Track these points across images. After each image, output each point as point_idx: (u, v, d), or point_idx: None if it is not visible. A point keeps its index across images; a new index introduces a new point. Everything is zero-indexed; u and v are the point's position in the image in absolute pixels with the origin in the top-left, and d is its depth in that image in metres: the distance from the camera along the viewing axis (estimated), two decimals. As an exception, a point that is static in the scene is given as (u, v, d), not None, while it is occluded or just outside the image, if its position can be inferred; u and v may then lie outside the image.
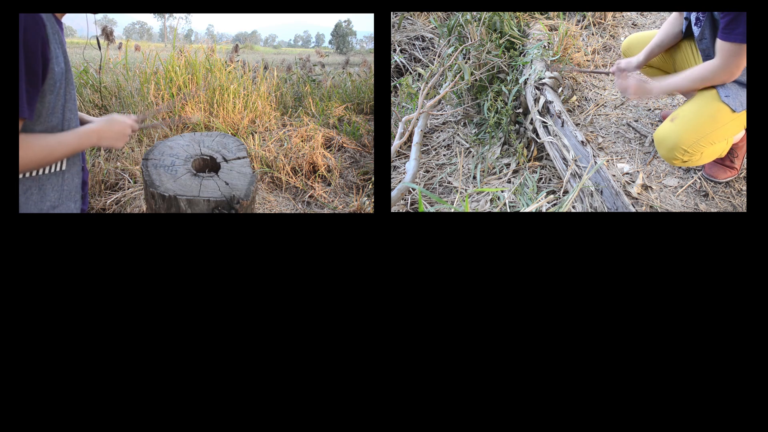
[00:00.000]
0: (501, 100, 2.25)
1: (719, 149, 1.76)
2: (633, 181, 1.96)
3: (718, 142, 1.69)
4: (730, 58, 1.57)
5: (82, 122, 1.28)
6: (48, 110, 1.06)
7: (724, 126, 1.65)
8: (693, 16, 1.75)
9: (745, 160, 1.84)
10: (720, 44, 1.57)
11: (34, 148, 1.04)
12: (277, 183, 2.89)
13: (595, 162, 1.77)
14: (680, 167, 2.00)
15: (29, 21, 0.98)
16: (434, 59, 2.65)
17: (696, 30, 1.73)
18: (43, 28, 1.01)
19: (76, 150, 1.13)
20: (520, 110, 2.22)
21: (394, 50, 3.00)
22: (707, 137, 1.66)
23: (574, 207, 1.75)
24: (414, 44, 3.07)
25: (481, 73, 2.30)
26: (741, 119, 1.64)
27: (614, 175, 1.96)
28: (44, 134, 1.07)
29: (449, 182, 2.18)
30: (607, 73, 2.21)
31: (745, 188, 1.87)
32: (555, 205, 1.88)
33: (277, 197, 2.76)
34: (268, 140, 3.11)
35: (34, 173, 1.10)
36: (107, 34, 3.44)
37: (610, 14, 2.96)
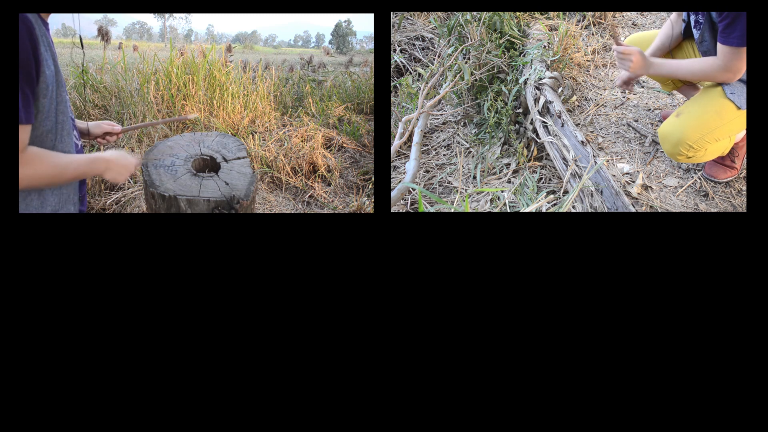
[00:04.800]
0: (501, 100, 2.25)
1: (723, 146, 1.76)
2: (633, 181, 1.96)
3: (722, 138, 1.69)
4: (731, 60, 1.57)
5: (79, 130, 1.28)
6: (42, 114, 1.05)
7: (729, 123, 1.66)
8: (692, 18, 1.75)
9: (745, 160, 1.84)
10: (720, 47, 1.57)
11: (48, 164, 1.03)
12: (277, 183, 2.89)
13: (595, 162, 1.77)
14: (680, 167, 2.00)
15: (19, 22, 0.97)
16: (434, 59, 2.65)
17: (695, 32, 1.73)
18: (32, 30, 0.99)
19: (85, 174, 1.14)
20: (520, 110, 2.22)
21: (394, 50, 3.00)
22: (712, 133, 1.66)
23: (574, 207, 1.75)
24: (414, 44, 3.07)
25: (481, 73, 2.30)
26: (745, 117, 1.64)
27: (614, 175, 1.96)
28: (57, 153, 1.06)
29: (449, 182, 2.18)
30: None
31: (745, 188, 1.86)
32: (555, 205, 1.88)
33: (277, 197, 2.76)
34: (268, 140, 3.11)
35: None
36: (103, 34, 3.43)
37: (610, 14, 2.96)
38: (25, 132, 1.00)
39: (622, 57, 1.72)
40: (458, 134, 2.44)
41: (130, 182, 2.54)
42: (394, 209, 1.98)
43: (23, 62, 0.97)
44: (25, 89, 0.98)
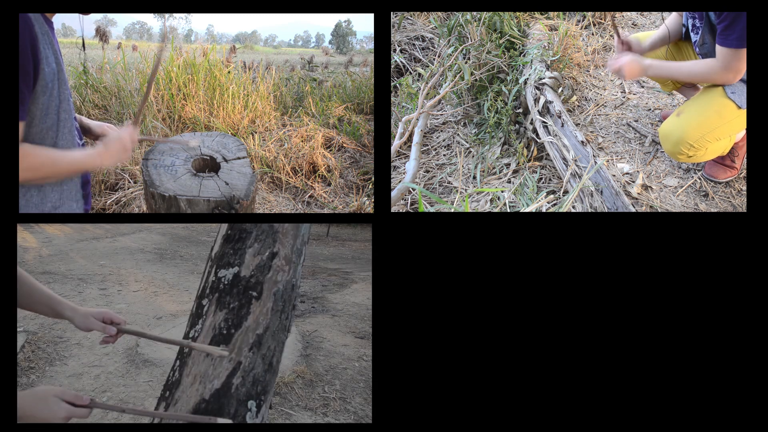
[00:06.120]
0: (501, 100, 2.25)
1: (723, 146, 1.76)
2: (633, 181, 1.96)
3: (723, 138, 1.70)
4: (730, 62, 1.57)
5: (81, 125, 1.27)
6: (42, 112, 1.04)
7: (729, 122, 1.66)
8: (689, 23, 1.75)
9: (745, 160, 1.84)
10: (719, 49, 1.58)
11: (39, 161, 1.03)
12: (277, 183, 2.89)
13: (595, 162, 1.77)
14: (680, 167, 2.00)
15: (18, 21, 0.97)
16: (434, 59, 2.65)
17: (694, 36, 1.73)
18: (31, 27, 0.99)
19: (80, 171, 1.13)
20: (520, 110, 2.22)
21: (394, 50, 3.00)
22: (713, 133, 1.66)
23: (574, 207, 1.75)
24: (414, 44, 3.07)
25: (481, 73, 2.30)
26: (745, 116, 1.64)
27: (614, 175, 1.96)
28: (50, 149, 1.06)
29: (449, 182, 2.18)
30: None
31: (745, 188, 1.86)
32: (555, 205, 1.88)
33: (277, 197, 2.76)
34: (268, 140, 3.11)
35: None
36: (101, 34, 3.44)
37: (610, 14, 2.96)
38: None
39: (616, 69, 1.76)
40: (458, 134, 2.44)
41: (129, 182, 2.54)
42: (394, 209, 1.98)
43: (20, 60, 0.97)
44: (21, 86, 0.98)
